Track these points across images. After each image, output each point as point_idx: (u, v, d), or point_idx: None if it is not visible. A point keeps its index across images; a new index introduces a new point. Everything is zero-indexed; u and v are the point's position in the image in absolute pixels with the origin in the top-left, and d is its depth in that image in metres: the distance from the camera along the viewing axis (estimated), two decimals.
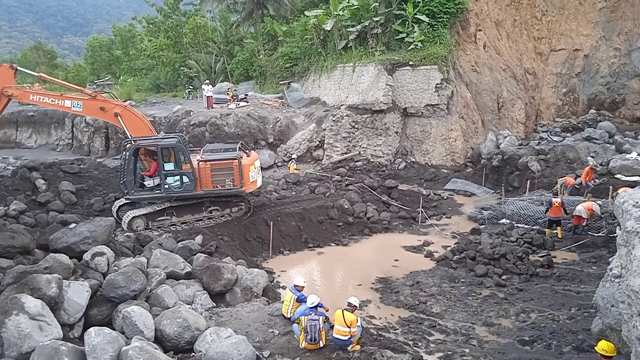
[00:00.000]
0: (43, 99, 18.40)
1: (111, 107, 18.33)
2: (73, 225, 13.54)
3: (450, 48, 29.49)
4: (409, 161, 28.91)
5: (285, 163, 28.88)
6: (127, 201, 18.09)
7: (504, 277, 15.47)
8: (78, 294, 9.81)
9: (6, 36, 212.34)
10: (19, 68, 19.01)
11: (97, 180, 21.79)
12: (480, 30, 32.54)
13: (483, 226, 20.41)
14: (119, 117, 18.16)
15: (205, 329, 9.98)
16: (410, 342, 11.81)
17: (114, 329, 9.14)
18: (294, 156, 29.19)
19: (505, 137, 28.33)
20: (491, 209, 21.85)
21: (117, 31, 77.22)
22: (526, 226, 19.67)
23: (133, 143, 17.72)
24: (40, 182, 20.12)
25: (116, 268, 11.62)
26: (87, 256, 11.78)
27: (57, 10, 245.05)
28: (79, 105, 18.14)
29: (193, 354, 9.58)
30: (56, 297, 9.39)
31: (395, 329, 12.73)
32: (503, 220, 20.58)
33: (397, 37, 30.29)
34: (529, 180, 23.17)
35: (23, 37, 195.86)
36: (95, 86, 45.95)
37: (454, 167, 28.37)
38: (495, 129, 30.61)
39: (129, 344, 8.44)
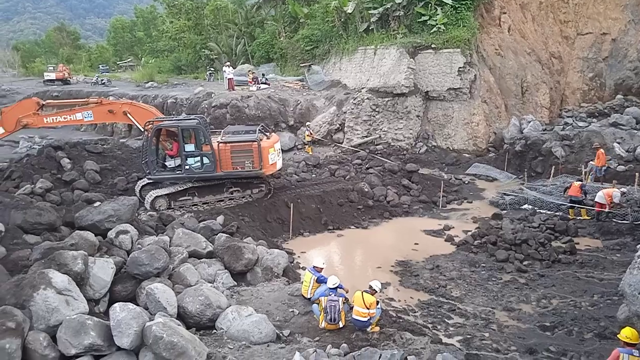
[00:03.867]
0: (57, 118, 19.16)
1: (119, 107, 18.93)
2: (97, 203, 13.72)
3: (473, 31, 28.96)
4: (430, 145, 28.68)
5: (305, 145, 28.91)
6: (149, 181, 18.32)
7: (525, 262, 15.38)
8: (103, 270, 9.98)
9: (31, 17, 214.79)
10: (44, 104, 19.66)
11: (120, 160, 22.08)
12: (504, 13, 31.86)
13: (505, 211, 20.23)
14: (128, 114, 18.50)
15: (227, 307, 10.10)
16: (430, 325, 11.84)
17: (138, 305, 9.28)
18: (307, 123, 29.16)
19: (529, 122, 27.89)
20: (513, 194, 21.62)
21: (138, 13, 77.56)
22: (549, 212, 19.45)
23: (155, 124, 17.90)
24: (65, 161, 20.47)
25: (140, 246, 11.79)
26: (111, 234, 11.95)
27: None
28: (89, 115, 18.96)
29: (215, 330, 9.73)
30: (82, 273, 9.55)
31: (415, 312, 12.77)
32: (525, 206, 20.36)
33: (420, 20, 29.82)
34: (553, 166, 22.83)
35: (47, 19, 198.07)
36: (98, 79, 46.19)
37: (476, 152, 28.06)
38: (518, 113, 30.12)
39: (153, 320, 8.58)
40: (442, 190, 21.77)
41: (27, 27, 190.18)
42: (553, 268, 14.97)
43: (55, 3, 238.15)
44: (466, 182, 24.19)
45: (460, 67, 27.85)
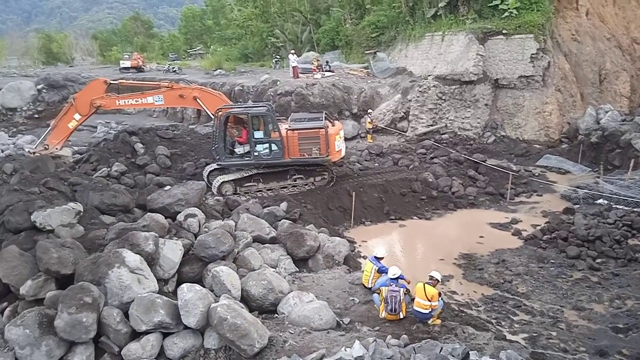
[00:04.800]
0: (128, 101, 19.67)
1: (189, 92, 19.26)
2: (168, 187, 14.29)
3: (548, 15, 27.60)
4: (498, 135, 27.74)
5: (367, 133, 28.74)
6: (217, 167, 18.84)
7: (598, 260, 14.66)
8: (172, 251, 10.40)
9: (108, 7, 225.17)
10: (111, 82, 20.21)
11: (189, 146, 22.84)
12: None
13: (577, 206, 19.31)
14: (197, 99, 18.94)
15: (288, 292, 10.30)
16: (493, 321, 11.56)
17: (204, 287, 9.62)
18: (370, 111, 28.95)
19: (607, 111, 26.31)
20: (587, 188, 20.55)
21: (208, 1, 79.37)
22: (626, 208, 18.33)
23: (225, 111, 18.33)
24: (138, 145, 21.43)
25: (206, 229, 12.19)
26: (180, 217, 12.43)
27: None
28: (160, 99, 19.29)
29: (276, 315, 9.93)
30: (153, 254, 10.00)
31: (478, 306, 12.50)
32: (600, 201, 19.32)
33: (490, 4, 28.73)
34: (632, 159, 21.47)
35: (123, 8, 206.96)
36: (169, 67, 47.69)
37: (548, 143, 26.85)
38: (595, 103, 28.49)
39: (218, 302, 8.87)
40: (510, 182, 21.04)
41: (104, 17, 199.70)
42: (629, 267, 14.19)
43: None
44: (536, 174, 23.23)
45: (533, 54, 26.67)
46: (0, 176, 13.28)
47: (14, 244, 10.84)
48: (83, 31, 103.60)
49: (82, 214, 12.15)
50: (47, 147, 18.92)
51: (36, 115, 40.37)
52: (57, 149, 19.33)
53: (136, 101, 19.45)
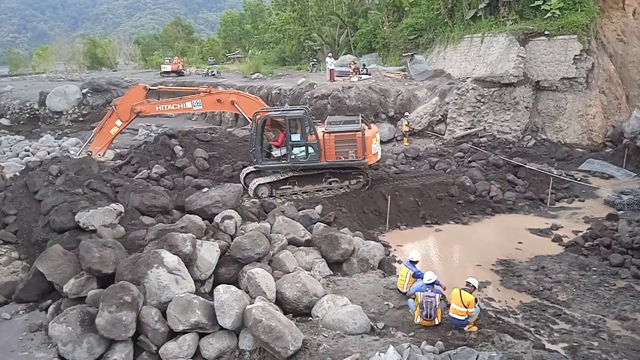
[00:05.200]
0: (167, 106, 20.22)
1: (226, 97, 19.65)
2: (206, 189, 14.56)
3: (592, 16, 26.80)
4: (539, 138, 27.07)
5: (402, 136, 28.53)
6: (254, 169, 19.05)
7: None
8: (209, 253, 10.58)
9: (150, 13, 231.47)
10: (151, 88, 20.76)
11: (227, 149, 23.15)
12: None
13: (621, 212, 18.63)
14: (235, 104, 19.20)
15: (323, 296, 10.30)
16: (532, 329, 11.29)
17: (239, 288, 9.75)
18: (406, 113, 28.74)
19: None
20: (632, 193, 19.83)
21: (247, 6, 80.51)
22: None
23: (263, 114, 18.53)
24: (178, 148, 21.88)
25: (242, 231, 12.35)
26: (217, 219, 12.62)
27: None
28: (199, 104, 19.72)
29: (310, 318, 9.96)
30: (190, 255, 10.20)
31: (516, 314, 12.22)
32: None
33: (532, 5, 28.12)
34: None
35: (164, 14, 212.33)
36: (209, 70, 48.49)
37: (591, 147, 26.02)
38: None
39: (253, 303, 8.97)
40: (550, 187, 20.50)
41: (147, 22, 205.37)
42: None
43: None
44: (578, 178, 22.55)
45: (576, 55, 25.95)
46: (46, 177, 13.76)
47: (58, 243, 11.26)
48: (126, 36, 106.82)
49: (123, 214, 12.52)
50: (90, 153, 19.54)
51: (81, 119, 41.78)
52: (99, 155, 19.96)
53: (175, 106, 19.92)
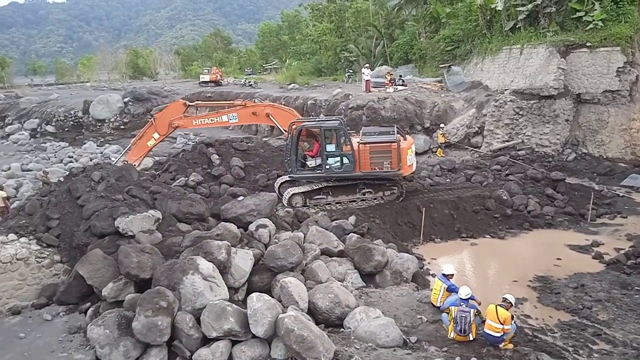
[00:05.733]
0: (204, 120, 20.60)
1: (261, 109, 19.93)
2: (241, 198, 14.76)
3: (637, 27, 26.02)
4: (579, 152, 26.40)
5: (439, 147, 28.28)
6: (288, 179, 19.19)
7: None
8: (243, 260, 10.70)
9: (191, 24, 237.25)
10: (190, 104, 21.26)
11: (262, 158, 23.40)
12: None
13: None
14: (270, 116, 19.44)
15: (355, 307, 10.26)
16: (570, 349, 10.94)
17: (272, 297, 9.81)
18: (441, 125, 28.47)
19: None
20: None
21: (285, 17, 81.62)
22: None
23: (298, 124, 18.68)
24: (214, 157, 22.25)
25: (276, 240, 12.44)
26: (252, 227, 12.77)
27: None
28: (235, 117, 20.03)
29: (342, 329, 9.93)
30: (225, 262, 10.34)
31: (554, 332, 11.88)
32: None
33: (574, 16, 27.57)
34: None
35: (204, 25, 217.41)
36: (246, 81, 49.21)
37: (634, 161, 25.17)
38: None
39: (285, 312, 9.01)
40: (591, 203, 19.90)
41: (187, 33, 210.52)
42: None
43: (212, 10, 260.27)
44: (621, 194, 21.84)
45: (619, 67, 25.25)
46: (88, 183, 14.20)
47: (98, 247, 11.58)
48: (167, 47, 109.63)
49: (160, 221, 12.80)
50: (125, 163, 20.06)
51: (122, 127, 43.02)
52: (135, 165, 20.49)
53: (212, 120, 20.30)
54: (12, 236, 12.65)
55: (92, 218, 12.63)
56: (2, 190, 18.24)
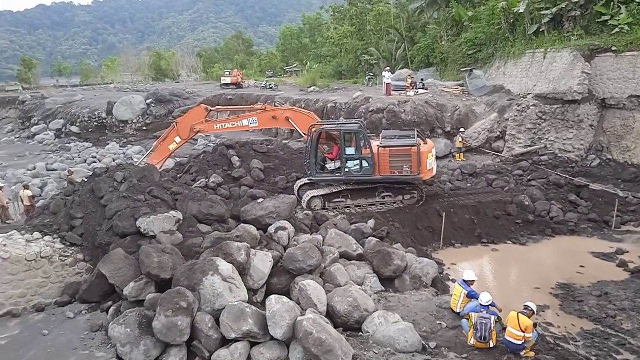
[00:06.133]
0: (225, 125, 20.72)
1: (281, 113, 19.98)
2: (261, 200, 14.83)
3: None
4: (604, 158, 25.90)
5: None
6: (308, 182, 19.22)
7: None
8: (262, 262, 10.75)
9: (213, 27, 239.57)
10: (211, 110, 21.42)
11: (282, 160, 23.48)
12: None
13: None
14: (289, 120, 19.50)
15: (374, 312, 10.23)
16: (593, 358, 10.75)
17: (290, 299, 9.83)
18: (461, 129, 28.21)
19: None
20: None
21: (306, 20, 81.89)
22: None
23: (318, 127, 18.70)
24: (235, 159, 22.39)
25: (295, 243, 12.47)
26: (271, 229, 12.82)
27: (255, 2, 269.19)
28: (255, 121, 20.10)
29: (361, 333, 9.89)
30: (244, 264, 10.40)
31: (576, 341, 11.67)
32: None
33: (599, 20, 27.08)
34: None
35: (226, 27, 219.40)
36: (267, 84, 49.43)
37: None
38: None
39: (304, 315, 9.01)
40: (616, 209, 19.53)
41: (209, 36, 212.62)
42: None
43: (234, 13, 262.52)
44: None
45: None
46: (111, 183, 14.42)
47: (120, 247, 11.74)
48: (189, 49, 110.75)
49: (181, 222, 12.93)
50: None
51: (144, 128, 43.60)
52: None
53: (232, 124, 20.44)
54: (36, 235, 12.92)
55: (115, 218, 12.81)
56: (27, 189, 18.62)
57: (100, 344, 9.83)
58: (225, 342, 9.10)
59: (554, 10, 28.77)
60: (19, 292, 11.73)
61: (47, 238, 12.88)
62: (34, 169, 28.85)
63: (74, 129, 44.08)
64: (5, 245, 11.93)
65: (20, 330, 10.78)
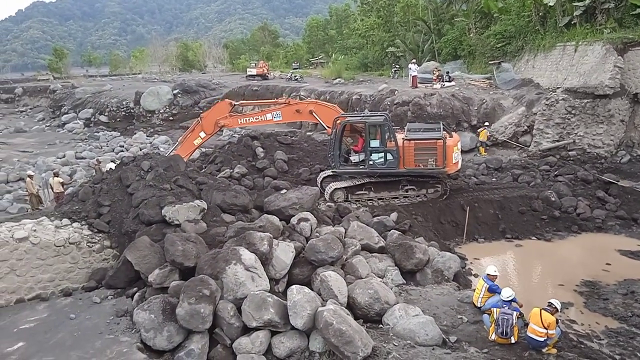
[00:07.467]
0: (249, 119, 20.79)
1: (305, 107, 19.98)
2: (284, 191, 14.91)
3: None
4: (634, 154, 25.24)
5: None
6: (331, 173, 19.24)
7: None
8: (284, 253, 10.84)
9: (239, 18, 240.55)
10: (235, 104, 21.45)
11: (305, 152, 23.55)
12: None
13: None
14: (313, 113, 19.48)
15: (394, 304, 10.25)
16: (617, 357, 10.57)
17: (312, 290, 9.91)
18: (486, 123, 27.79)
19: None
20: None
21: (333, 11, 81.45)
22: None
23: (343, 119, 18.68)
24: (259, 150, 22.55)
25: (317, 234, 12.53)
26: (294, 220, 12.90)
27: None
28: (278, 115, 20.14)
29: (381, 325, 9.92)
30: (267, 254, 10.50)
31: (600, 339, 11.50)
32: None
33: (634, 12, 26.35)
34: None
35: (252, 19, 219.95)
36: (292, 75, 49.29)
37: None
38: None
39: (325, 306, 9.08)
40: None
41: (236, 27, 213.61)
42: None
43: (261, 4, 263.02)
44: None
45: None
46: (138, 172, 14.66)
47: (146, 234, 11.97)
48: (216, 40, 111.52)
49: (205, 211, 13.10)
50: None
51: (171, 118, 44.17)
52: None
53: (256, 119, 20.55)
54: (65, 221, 13.24)
55: (141, 206, 13.05)
56: (58, 176, 19.09)
57: (125, 329, 10.06)
58: (246, 330, 9.23)
59: (587, 2, 28.10)
60: (48, 276, 12.06)
61: (75, 224, 13.18)
62: (64, 156, 29.52)
63: (103, 118, 44.90)
64: (35, 230, 12.26)
65: (49, 314, 11.09)
